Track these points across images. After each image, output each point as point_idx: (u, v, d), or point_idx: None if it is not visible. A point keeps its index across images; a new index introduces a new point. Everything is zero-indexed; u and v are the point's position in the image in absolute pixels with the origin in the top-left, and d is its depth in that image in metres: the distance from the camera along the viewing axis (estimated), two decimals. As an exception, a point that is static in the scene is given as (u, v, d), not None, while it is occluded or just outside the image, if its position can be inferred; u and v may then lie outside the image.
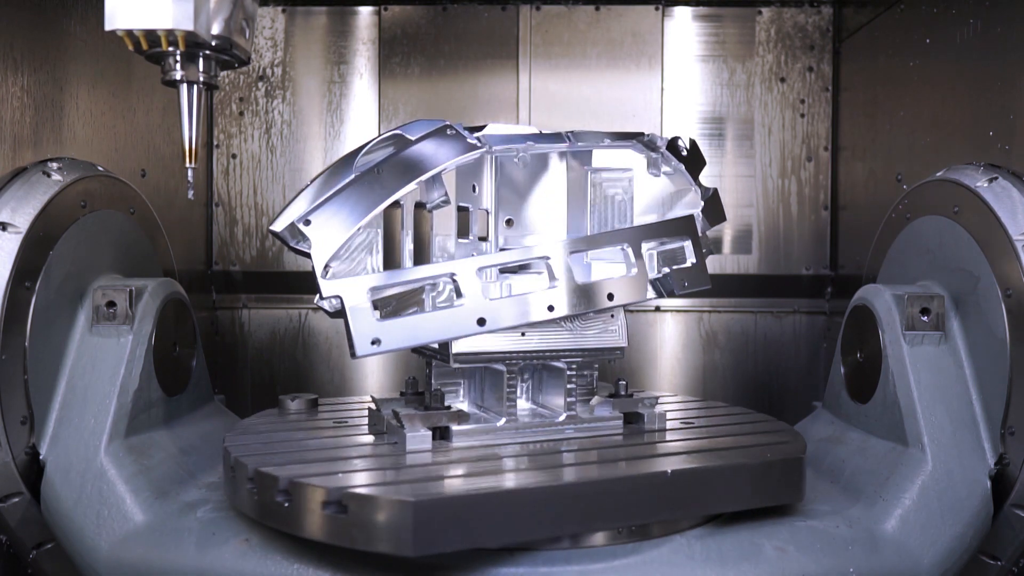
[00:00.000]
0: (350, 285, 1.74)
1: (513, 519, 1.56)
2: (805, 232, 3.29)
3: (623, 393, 2.03)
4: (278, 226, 1.73)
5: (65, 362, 1.98)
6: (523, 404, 2.03)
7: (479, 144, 1.84)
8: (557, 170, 2.02)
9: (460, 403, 1.99)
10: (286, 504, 1.58)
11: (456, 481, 1.61)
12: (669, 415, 2.10)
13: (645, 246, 1.97)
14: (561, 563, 1.63)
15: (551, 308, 1.85)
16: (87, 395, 1.95)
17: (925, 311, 2.00)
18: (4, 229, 1.86)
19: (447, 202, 1.92)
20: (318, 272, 1.73)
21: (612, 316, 1.98)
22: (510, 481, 1.66)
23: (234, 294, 3.36)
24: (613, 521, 1.67)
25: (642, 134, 1.99)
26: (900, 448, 1.94)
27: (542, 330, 1.93)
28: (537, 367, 2.03)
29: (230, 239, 3.35)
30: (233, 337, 3.37)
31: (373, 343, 1.73)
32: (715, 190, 2.09)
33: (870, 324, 2.11)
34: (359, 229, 1.77)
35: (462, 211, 2.03)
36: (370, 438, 1.93)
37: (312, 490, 1.55)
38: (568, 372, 1.95)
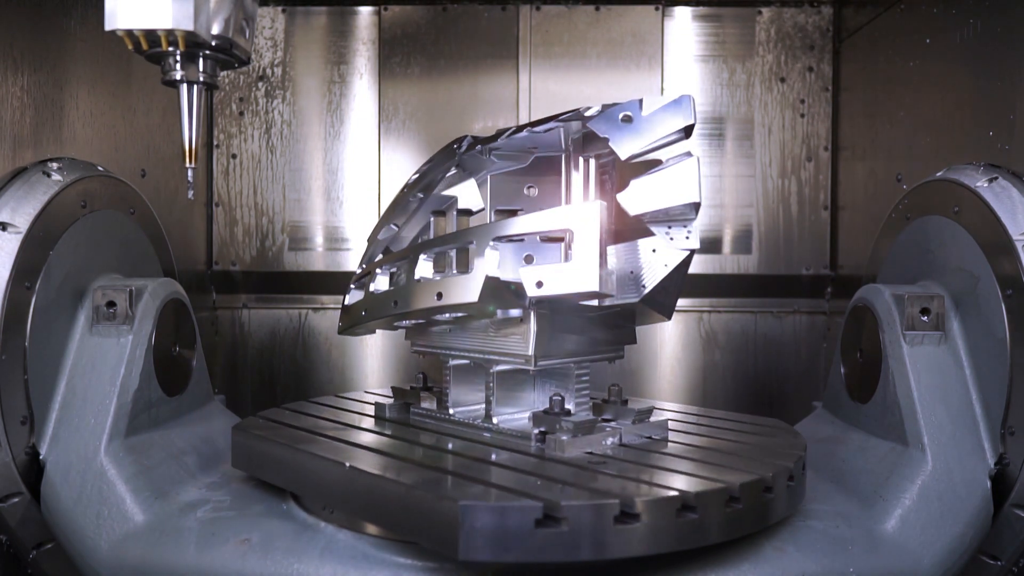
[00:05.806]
0: (353, 280, 2.18)
1: (279, 468, 1.87)
2: (805, 232, 3.29)
3: (547, 408, 1.84)
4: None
5: (65, 362, 1.98)
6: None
7: (454, 155, 2.04)
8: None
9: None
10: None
11: (301, 434, 1.93)
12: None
13: (487, 243, 1.75)
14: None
15: (395, 304, 1.94)
16: (87, 395, 1.95)
17: (925, 311, 2.00)
18: (4, 229, 1.86)
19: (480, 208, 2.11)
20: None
21: (521, 321, 1.84)
22: (306, 445, 1.85)
23: (234, 294, 3.36)
24: (314, 497, 1.82)
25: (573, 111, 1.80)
26: (900, 448, 1.94)
27: (462, 329, 1.98)
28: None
29: (230, 239, 3.35)
30: (233, 337, 3.37)
31: (341, 324, 2.19)
32: (692, 160, 1.71)
33: (870, 324, 2.11)
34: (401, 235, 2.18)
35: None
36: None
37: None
38: (488, 374, 1.92)
